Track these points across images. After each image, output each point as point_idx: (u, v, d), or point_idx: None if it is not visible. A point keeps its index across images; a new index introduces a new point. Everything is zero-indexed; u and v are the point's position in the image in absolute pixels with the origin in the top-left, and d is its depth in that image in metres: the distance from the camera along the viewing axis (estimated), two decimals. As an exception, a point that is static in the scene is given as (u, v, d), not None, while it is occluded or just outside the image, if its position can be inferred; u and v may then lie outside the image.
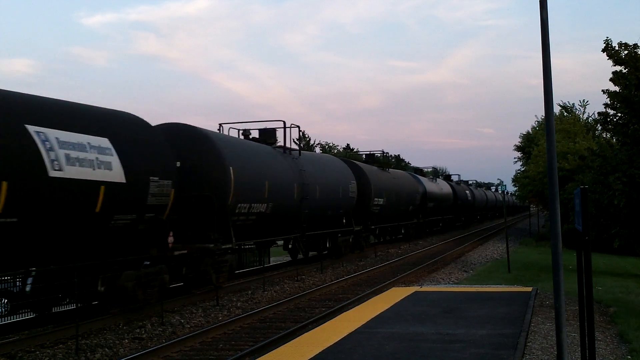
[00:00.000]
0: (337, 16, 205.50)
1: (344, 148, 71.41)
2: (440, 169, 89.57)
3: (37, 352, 11.30)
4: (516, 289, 17.02)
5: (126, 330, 13.23)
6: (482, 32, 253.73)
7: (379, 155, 38.78)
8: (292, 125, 24.67)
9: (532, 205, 64.92)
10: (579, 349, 8.65)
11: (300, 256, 27.34)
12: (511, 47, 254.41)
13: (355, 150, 69.48)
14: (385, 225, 36.34)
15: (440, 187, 50.22)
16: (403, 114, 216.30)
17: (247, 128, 23.34)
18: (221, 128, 22.47)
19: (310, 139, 66.32)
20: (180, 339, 12.03)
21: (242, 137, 22.69)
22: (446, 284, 20.00)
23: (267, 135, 23.84)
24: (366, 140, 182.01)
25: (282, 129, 24.07)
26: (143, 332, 13.14)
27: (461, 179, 70.47)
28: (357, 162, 33.26)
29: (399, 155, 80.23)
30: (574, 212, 9.58)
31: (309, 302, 16.97)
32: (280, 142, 24.16)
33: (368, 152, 39.52)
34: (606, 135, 37.02)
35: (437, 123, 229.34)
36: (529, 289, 16.61)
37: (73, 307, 13.69)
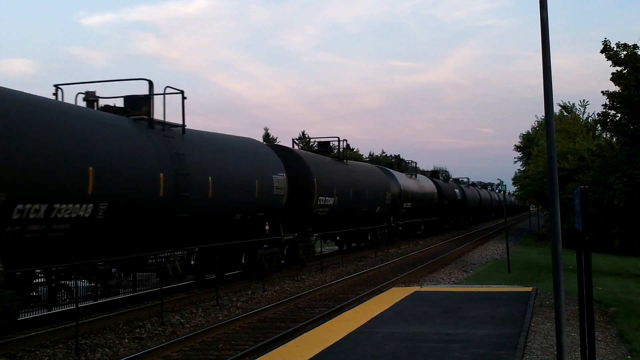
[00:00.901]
0: (337, 16, 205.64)
1: (344, 148, 71.38)
2: (439, 169, 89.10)
3: (37, 352, 11.30)
4: (516, 289, 17.02)
5: (126, 330, 13.23)
6: (482, 32, 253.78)
7: (340, 143, 30.00)
8: (170, 90, 16.44)
9: (531, 205, 64.61)
10: (579, 349, 8.65)
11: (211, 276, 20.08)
12: (511, 47, 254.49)
13: (355, 150, 69.60)
14: (339, 232, 29.77)
15: (421, 184, 43.22)
16: (403, 114, 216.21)
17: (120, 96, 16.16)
18: (59, 91, 15.47)
19: (310, 139, 66.41)
20: (180, 339, 12.03)
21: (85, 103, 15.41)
22: (446, 284, 20.00)
23: (135, 104, 16.00)
24: (366, 140, 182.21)
25: (149, 95, 15.99)
26: (143, 332, 13.14)
27: (451, 176, 64.71)
28: (293, 149, 26.00)
29: (399, 155, 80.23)
30: (574, 212, 9.59)
31: (309, 302, 16.97)
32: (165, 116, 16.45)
33: (322, 139, 30.35)
34: (606, 135, 37.09)
35: (437, 123, 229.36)
36: (529, 289, 16.61)
37: (73, 307, 12.98)
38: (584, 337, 8.01)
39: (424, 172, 57.61)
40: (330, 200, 25.56)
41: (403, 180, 38.85)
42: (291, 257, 23.79)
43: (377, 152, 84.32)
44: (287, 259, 23.63)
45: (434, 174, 56.47)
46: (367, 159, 45.81)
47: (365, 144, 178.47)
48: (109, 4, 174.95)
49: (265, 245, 20.84)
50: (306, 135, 66.70)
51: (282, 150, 23.81)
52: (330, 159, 28.18)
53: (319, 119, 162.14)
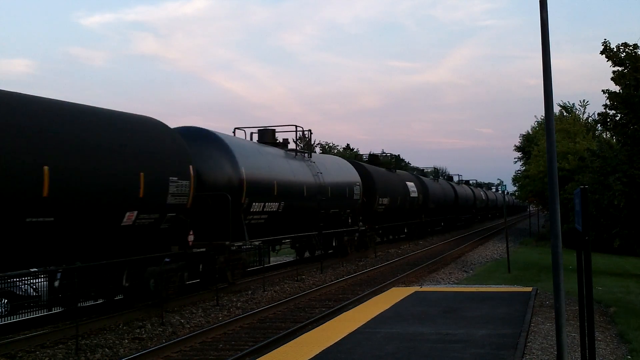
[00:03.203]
0: (336, 16, 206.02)
1: (344, 148, 71.48)
2: (439, 169, 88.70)
3: (37, 352, 11.29)
4: (516, 289, 17.01)
5: (126, 330, 13.23)
6: (481, 32, 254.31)
7: None
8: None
9: (531, 205, 64.42)
10: (579, 349, 8.65)
11: None
12: (510, 47, 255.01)
13: (355, 150, 69.58)
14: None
15: (317, 170, 25.28)
16: (402, 114, 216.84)
17: None
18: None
19: (310, 139, 66.26)
20: (180, 339, 12.03)
21: None
22: (446, 284, 19.99)
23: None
24: (366, 140, 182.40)
25: None
26: (143, 332, 13.14)
27: (412, 166, 49.08)
28: None
29: (399, 155, 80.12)
30: (574, 212, 9.59)
31: (309, 302, 16.96)
32: None
33: None
34: (606, 134, 37.10)
35: (437, 123, 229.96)
36: (529, 289, 16.61)
37: (73, 306, 13.05)
38: (584, 337, 8.00)
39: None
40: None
41: (256, 160, 20.15)
42: None
43: (377, 152, 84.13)
44: None
45: (371, 159, 36.98)
46: (366, 159, 37.74)
47: (365, 144, 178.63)
48: (107, 4, 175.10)
49: None
50: (306, 135, 66.58)
51: None
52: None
53: (319, 119, 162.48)
